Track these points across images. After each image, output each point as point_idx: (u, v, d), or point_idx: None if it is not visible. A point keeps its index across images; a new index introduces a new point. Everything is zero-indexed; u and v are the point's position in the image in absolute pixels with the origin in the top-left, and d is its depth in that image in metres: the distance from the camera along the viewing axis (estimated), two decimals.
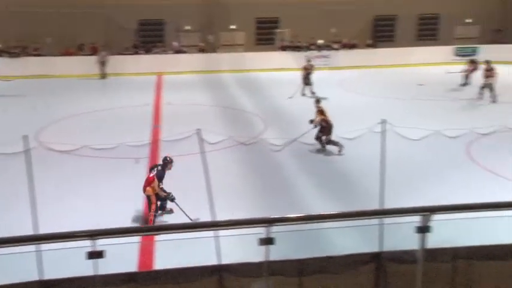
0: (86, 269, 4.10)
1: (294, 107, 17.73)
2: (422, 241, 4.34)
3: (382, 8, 29.12)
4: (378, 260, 5.09)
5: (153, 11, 27.04)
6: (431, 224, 4.33)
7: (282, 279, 4.87)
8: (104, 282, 4.35)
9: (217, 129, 13.73)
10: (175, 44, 27.41)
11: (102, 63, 24.39)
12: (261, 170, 11.54)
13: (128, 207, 9.32)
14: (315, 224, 5.72)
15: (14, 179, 9.31)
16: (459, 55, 26.21)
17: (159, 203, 8.70)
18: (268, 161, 12.04)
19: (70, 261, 4.64)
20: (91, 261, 3.94)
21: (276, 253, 4.39)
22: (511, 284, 5.25)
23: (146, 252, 7.50)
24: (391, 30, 29.98)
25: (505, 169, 10.93)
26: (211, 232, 5.77)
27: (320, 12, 27.94)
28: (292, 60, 26.50)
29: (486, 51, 25.92)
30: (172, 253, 6.59)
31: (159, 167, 8.68)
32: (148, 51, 26.97)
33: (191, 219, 8.25)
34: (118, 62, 25.16)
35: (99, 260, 3.94)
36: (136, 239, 7.19)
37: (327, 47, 27.60)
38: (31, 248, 4.72)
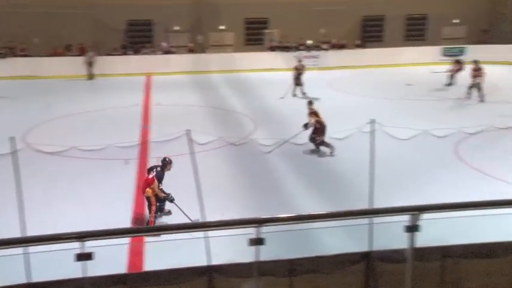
0: (74, 271, 4.07)
1: (284, 107, 17.77)
2: (411, 240, 4.37)
3: (371, 9, 29.28)
4: (367, 259, 5.12)
5: (141, 12, 26.93)
6: (420, 223, 4.36)
7: (273, 280, 4.88)
8: (93, 284, 4.32)
9: (207, 129, 13.70)
10: (164, 44, 27.32)
11: (89, 64, 24.22)
12: (251, 171, 11.54)
13: (117, 208, 9.27)
14: (305, 224, 5.74)
15: (1, 181, 9.20)
16: (447, 55, 26.43)
17: (157, 204, 8.65)
18: (258, 161, 12.04)
19: (58, 263, 4.61)
20: (80, 263, 3.91)
21: (266, 253, 4.40)
22: (498, 281, 5.31)
23: (136, 254, 7.46)
24: (379, 31, 30.16)
25: (492, 168, 11.04)
26: (202, 233, 5.77)
27: (309, 13, 28.02)
28: (282, 61, 26.57)
29: (473, 52, 26.17)
30: (163, 254, 6.57)
31: (158, 168, 8.63)
32: (137, 51, 26.85)
33: (191, 220, 8.23)
34: (107, 63, 25.01)
35: (88, 262, 3.91)
36: (125, 240, 7.15)
37: (316, 47, 27.69)
38: (19, 250, 4.67)
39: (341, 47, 28.06)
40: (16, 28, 24.92)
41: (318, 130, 12.30)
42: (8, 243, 4.05)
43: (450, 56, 25.89)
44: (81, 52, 25.07)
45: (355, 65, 26.71)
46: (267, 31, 28.70)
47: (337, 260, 5.11)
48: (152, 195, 8.46)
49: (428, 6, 29.68)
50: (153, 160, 11.87)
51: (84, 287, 4.20)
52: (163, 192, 8.42)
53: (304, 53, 26.30)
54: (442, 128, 12.36)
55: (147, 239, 7.59)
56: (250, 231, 4.18)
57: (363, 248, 5.33)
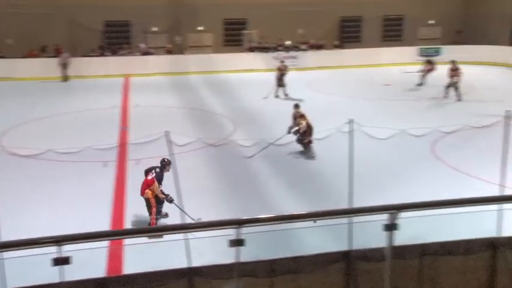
0: (51, 276, 4.00)
1: (265, 108, 17.79)
2: (390, 239, 4.42)
3: (348, 9, 29.55)
4: (347, 258, 5.16)
5: (119, 12, 26.66)
6: (399, 221, 4.41)
7: (253, 280, 4.87)
8: None
9: (186, 131, 13.63)
10: (142, 45, 27.10)
11: (64, 66, 23.87)
12: (231, 172, 11.52)
13: (96, 211, 9.15)
14: (286, 224, 5.75)
15: None
16: (423, 55, 26.83)
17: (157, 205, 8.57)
18: (238, 162, 12.02)
19: (35, 268, 4.52)
20: (57, 268, 3.85)
21: (247, 254, 4.39)
22: (474, 277, 5.41)
23: (115, 257, 7.38)
24: (357, 31, 30.46)
25: (467, 166, 11.25)
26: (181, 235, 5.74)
27: (287, 14, 28.13)
28: (261, 61, 26.63)
29: (448, 52, 26.69)
30: (142, 257, 6.50)
31: (157, 169, 8.56)
32: (114, 52, 26.57)
33: (193, 219, 8.20)
34: (84, 64, 24.71)
35: (66, 267, 3.85)
36: (104, 243, 7.07)
37: (295, 47, 27.83)
38: None
39: (319, 47, 28.25)
40: None
41: (307, 132, 12.30)
42: None
43: (426, 56, 26.29)
44: (57, 53, 24.70)
45: (334, 65, 26.93)
46: (245, 32, 28.71)
47: (318, 260, 5.14)
48: (152, 196, 8.38)
49: (404, 7, 30.11)
50: (132, 162, 11.82)
51: None
52: (163, 193, 8.37)
53: (283, 54, 26.39)
54: (419, 127, 12.53)
55: (126, 241, 7.50)
56: (231, 233, 4.17)
57: (342, 247, 5.38)
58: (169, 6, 27.62)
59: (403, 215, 4.43)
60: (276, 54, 26.60)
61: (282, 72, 19.79)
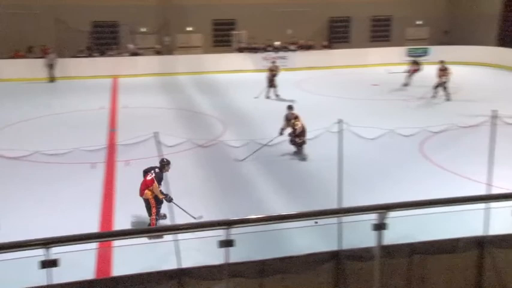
0: (39, 279, 3.97)
1: (255, 108, 17.79)
2: (379, 238, 4.45)
3: (337, 10, 29.66)
4: (337, 258, 5.18)
5: (107, 13, 26.48)
6: (388, 221, 4.44)
7: (243, 281, 4.88)
8: None
9: (175, 132, 13.57)
10: (130, 46, 26.96)
11: (50, 66, 23.65)
12: (220, 173, 11.50)
13: (84, 213, 9.09)
14: (276, 224, 5.76)
15: None
16: (411, 56, 27.01)
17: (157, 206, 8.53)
18: (228, 163, 12.01)
19: (22, 271, 4.47)
20: (44, 270, 3.81)
21: (237, 254, 4.39)
22: (462, 275, 5.46)
23: (104, 259, 7.33)
24: (345, 32, 30.58)
25: (455, 166, 11.35)
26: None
27: (276, 14, 28.17)
28: (250, 62, 26.63)
29: (436, 52, 26.94)
30: (131, 258, 6.47)
31: (157, 169, 8.51)
32: (103, 53, 26.39)
33: (194, 218, 8.18)
34: (72, 65, 24.51)
35: (54, 269, 3.82)
36: (93, 245, 7.02)
37: (284, 48, 27.86)
38: None
39: (308, 48, 28.32)
40: None
41: (301, 133, 12.29)
42: None
43: (414, 56, 26.48)
44: (44, 54, 24.47)
45: (323, 65, 27.01)
46: (234, 32, 28.69)
47: (307, 260, 5.15)
48: (151, 197, 8.34)
49: (392, 8, 30.30)
50: (121, 164, 11.76)
51: None
52: (162, 193, 8.33)
53: (272, 54, 26.42)
54: (407, 127, 12.63)
55: (115, 243, 7.46)
56: (220, 233, 4.17)
57: (332, 247, 5.39)
58: (158, 7, 27.52)
59: (392, 214, 4.46)
60: (265, 54, 26.62)
61: (273, 73, 19.74)
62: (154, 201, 8.37)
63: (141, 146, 10.33)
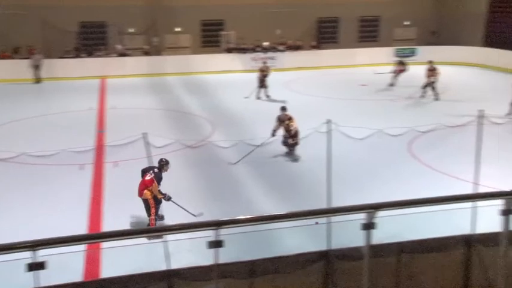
0: (26, 282, 3.92)
1: (244, 109, 17.79)
2: (368, 237, 4.46)
3: (325, 10, 29.75)
4: (326, 258, 5.20)
5: (94, 13, 26.28)
6: (376, 220, 4.46)
7: (233, 282, 4.87)
8: None
9: (164, 132, 13.52)
10: (118, 46, 26.80)
11: (36, 67, 23.41)
12: (209, 173, 11.48)
13: (72, 214, 9.02)
14: (266, 225, 5.77)
15: None
16: (399, 56, 27.19)
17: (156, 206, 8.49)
18: (217, 164, 11.98)
19: (9, 274, 4.43)
20: (32, 273, 3.77)
21: (227, 255, 4.39)
22: (450, 273, 5.51)
23: (92, 261, 7.28)
24: (334, 32, 30.68)
25: (443, 165, 11.45)
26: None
27: (264, 14, 28.18)
28: (239, 62, 26.62)
29: (423, 52, 27.15)
30: (120, 260, 6.44)
31: (156, 170, 8.47)
32: (90, 54, 26.20)
33: (194, 215, 8.15)
34: (59, 66, 24.30)
35: (41, 272, 3.78)
36: (82, 247, 6.97)
37: (273, 48, 27.89)
38: None
39: (297, 48, 28.37)
40: None
41: (294, 134, 12.27)
42: None
43: (402, 56, 26.65)
44: (30, 55, 24.22)
45: (311, 66, 27.08)
46: (223, 33, 28.66)
47: (297, 260, 5.16)
48: (151, 197, 8.29)
49: (380, 8, 30.47)
50: (109, 165, 11.68)
51: None
52: (161, 192, 8.30)
53: (260, 55, 26.43)
54: (396, 127, 12.71)
55: (104, 244, 7.41)
56: (210, 234, 4.16)
57: (321, 247, 5.41)
58: (146, 7, 27.38)
59: (381, 214, 4.48)
60: (254, 55, 26.63)
61: (264, 73, 19.67)
62: (153, 202, 8.34)
63: (129, 147, 10.28)
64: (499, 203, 4.57)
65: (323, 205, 6.77)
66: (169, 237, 5.69)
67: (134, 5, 26.69)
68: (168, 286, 4.72)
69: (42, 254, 3.76)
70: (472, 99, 17.93)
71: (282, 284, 5.08)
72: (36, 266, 3.70)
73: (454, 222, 6.19)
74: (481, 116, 7.11)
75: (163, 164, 8.55)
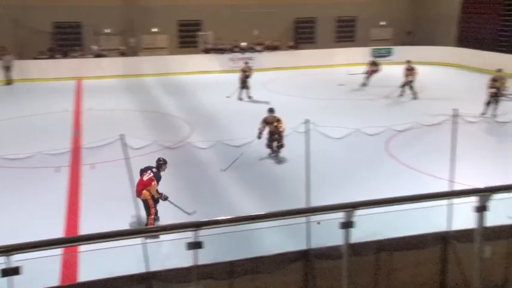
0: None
1: (223, 110, 17.74)
2: (347, 236, 4.50)
3: (302, 11, 29.90)
4: (305, 257, 5.22)
5: (69, 13, 25.86)
6: (355, 219, 4.49)
7: (213, 283, 4.86)
8: None
9: (142, 134, 13.38)
10: (94, 47, 26.44)
11: (7, 68, 22.91)
12: (188, 175, 11.41)
13: (48, 218, 8.85)
14: (245, 225, 5.76)
15: None
16: (375, 56, 27.49)
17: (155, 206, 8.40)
18: (196, 165, 11.93)
19: None
20: (5, 279, 3.69)
21: (207, 256, 4.37)
22: (427, 269, 5.59)
23: (69, 265, 7.16)
24: (311, 32, 30.86)
25: (419, 164, 11.62)
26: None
27: (242, 15, 28.18)
28: (216, 63, 26.55)
29: (399, 52, 27.53)
30: (98, 263, 6.34)
31: (154, 169, 8.36)
32: (65, 55, 25.78)
33: (189, 213, 8.09)
34: (32, 67, 23.85)
35: (15, 278, 3.70)
36: (58, 251, 6.85)
37: (250, 49, 27.90)
38: None
39: (274, 48, 28.43)
40: None
41: (281, 135, 12.22)
42: None
43: (378, 56, 26.96)
44: (1, 55, 23.69)
45: (289, 66, 27.19)
46: (201, 33, 28.55)
47: (277, 260, 5.18)
48: (149, 197, 8.20)
49: (357, 9, 30.79)
50: (86, 167, 11.51)
51: None
52: (158, 192, 8.22)
53: (238, 55, 26.41)
54: (373, 126, 12.83)
55: (81, 248, 7.29)
56: (189, 235, 4.13)
57: (301, 246, 5.43)
58: (122, 7, 27.09)
59: (359, 212, 4.52)
60: (231, 55, 26.59)
61: (246, 73, 19.52)
62: (152, 202, 8.28)
63: (106, 149, 10.11)
64: (473, 200, 4.65)
65: (302, 205, 6.79)
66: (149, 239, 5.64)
67: (110, 5, 26.36)
68: None
69: (16, 259, 3.68)
70: (447, 99, 18.23)
71: (262, 284, 5.08)
72: (10, 272, 3.61)
73: (431, 219, 6.28)
74: (455, 115, 7.23)
75: (161, 164, 8.53)
